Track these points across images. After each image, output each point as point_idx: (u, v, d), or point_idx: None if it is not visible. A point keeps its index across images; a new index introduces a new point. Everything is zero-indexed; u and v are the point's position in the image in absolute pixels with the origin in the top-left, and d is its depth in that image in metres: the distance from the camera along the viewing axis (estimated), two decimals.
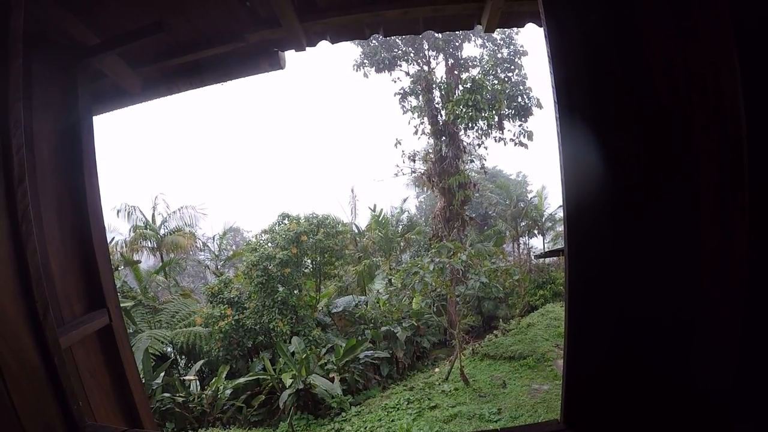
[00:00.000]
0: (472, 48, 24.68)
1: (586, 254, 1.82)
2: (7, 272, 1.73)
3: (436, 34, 21.50)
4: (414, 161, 24.65)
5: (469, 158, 25.09)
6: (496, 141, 23.49)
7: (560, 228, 24.94)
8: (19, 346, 1.74)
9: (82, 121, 3.34)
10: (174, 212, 27.24)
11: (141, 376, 5.26)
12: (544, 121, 26.28)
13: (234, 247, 32.65)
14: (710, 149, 1.61)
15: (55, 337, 1.85)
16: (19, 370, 1.71)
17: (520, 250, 31.85)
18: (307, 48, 3.81)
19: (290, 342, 17.69)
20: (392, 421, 13.29)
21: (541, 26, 1.91)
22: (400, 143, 24.07)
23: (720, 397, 1.61)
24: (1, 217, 1.71)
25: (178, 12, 3.39)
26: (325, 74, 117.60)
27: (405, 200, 31.17)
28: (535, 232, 30.32)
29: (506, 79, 23.18)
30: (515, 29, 21.21)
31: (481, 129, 22.79)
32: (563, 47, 1.77)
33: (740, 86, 1.40)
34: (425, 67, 23.89)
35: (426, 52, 23.90)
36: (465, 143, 23.74)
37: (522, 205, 31.17)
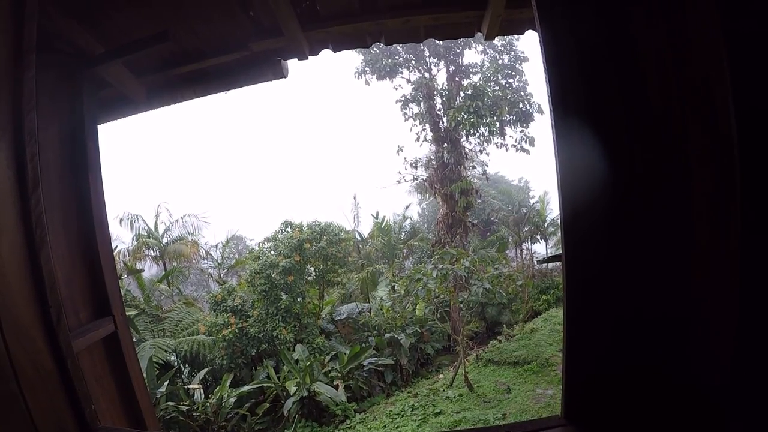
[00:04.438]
0: (472, 55, 24.76)
1: (583, 257, 1.84)
2: (22, 277, 1.76)
3: (437, 42, 21.61)
4: (416, 168, 24.70)
5: (471, 164, 25.13)
6: (497, 147, 23.61)
7: None
8: (34, 349, 1.77)
9: (87, 129, 3.37)
10: (177, 221, 27.29)
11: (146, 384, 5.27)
12: (546, 126, 26.27)
13: (237, 256, 32.65)
14: (702, 155, 1.63)
15: (68, 341, 1.88)
16: (34, 373, 1.74)
17: (523, 256, 31.78)
18: (309, 56, 3.84)
19: (294, 350, 17.68)
20: (397, 427, 13.26)
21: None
22: (402, 150, 24.13)
23: (715, 394, 1.63)
24: (16, 222, 1.75)
25: (183, 22, 3.43)
26: (327, 82, 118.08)
27: (407, 207, 31.12)
28: (538, 237, 30.29)
29: (507, 85, 23.30)
30: (515, 36, 21.25)
31: (483, 135, 22.87)
32: (558, 55, 1.80)
33: (731, 94, 1.43)
34: (426, 74, 23.98)
35: (427, 59, 24.00)
36: (467, 150, 23.79)
37: (524, 211, 31.18)
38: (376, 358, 18.01)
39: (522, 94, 23.45)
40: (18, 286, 1.74)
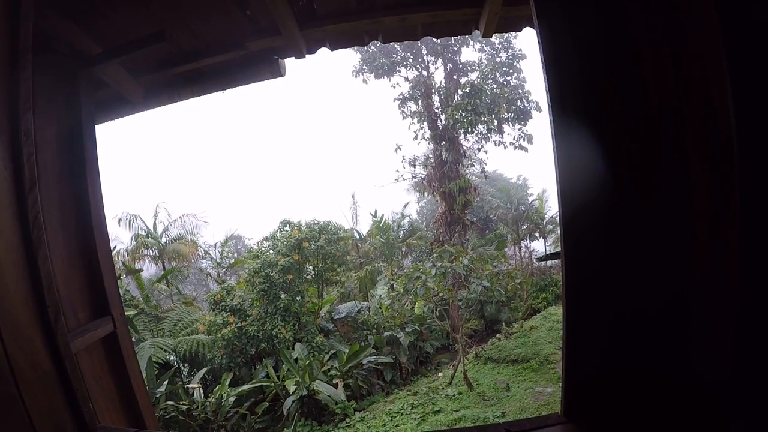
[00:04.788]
0: (470, 52, 24.75)
1: (582, 254, 1.84)
2: (20, 277, 1.76)
3: (435, 40, 21.60)
4: (414, 166, 24.71)
5: (470, 162, 25.12)
6: (496, 145, 23.63)
7: None
8: (32, 350, 1.77)
9: (84, 129, 3.37)
10: (175, 220, 27.26)
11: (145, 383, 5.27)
12: (544, 124, 26.27)
13: (236, 255, 32.62)
14: (700, 152, 1.63)
15: (66, 342, 1.88)
16: (32, 374, 1.74)
17: (522, 254, 31.84)
18: (306, 55, 3.84)
19: (293, 349, 17.70)
20: (396, 426, 13.27)
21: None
22: (400, 148, 24.15)
23: (714, 393, 1.63)
24: (13, 223, 1.75)
25: (180, 21, 3.43)
26: (325, 81, 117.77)
27: (406, 205, 31.11)
28: (537, 235, 30.34)
29: (505, 83, 23.30)
30: (513, 33, 21.24)
31: (481, 133, 22.88)
32: (556, 54, 1.80)
33: (730, 91, 1.43)
34: (424, 72, 23.98)
35: (425, 58, 24.00)
36: (465, 147, 23.80)
37: (523, 209, 31.22)
38: (375, 357, 18.03)
39: (520, 91, 23.47)
40: (15, 287, 1.74)
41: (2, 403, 1.64)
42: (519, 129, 23.46)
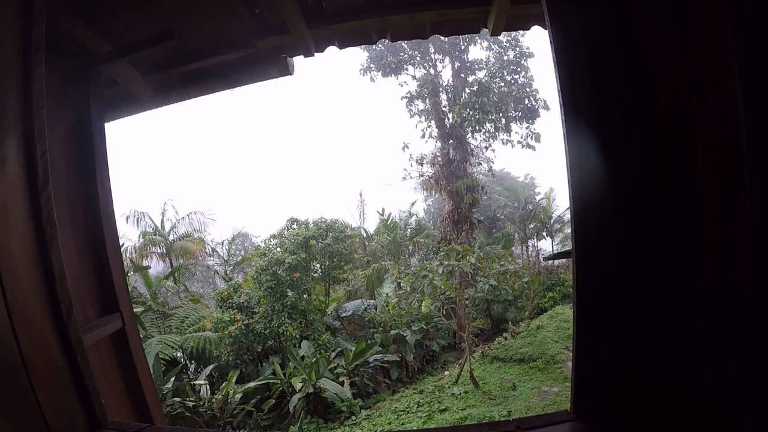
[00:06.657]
0: (478, 51, 24.64)
1: (592, 253, 1.84)
2: (33, 274, 1.78)
3: (442, 38, 21.58)
4: (422, 165, 24.69)
5: (477, 161, 25.11)
6: (503, 143, 23.62)
7: (569, 230, 24.75)
8: (44, 345, 1.79)
9: (94, 128, 3.39)
10: (183, 218, 27.36)
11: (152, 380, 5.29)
12: (552, 122, 26.30)
13: (243, 252, 32.75)
14: (710, 151, 1.62)
15: (78, 337, 1.90)
16: (44, 369, 1.76)
17: (529, 253, 31.74)
18: (315, 53, 3.84)
19: (300, 346, 17.73)
20: (402, 424, 13.28)
21: (546, 29, 1.94)
22: (407, 147, 24.12)
23: (722, 395, 1.63)
24: (27, 219, 1.77)
25: (188, 20, 3.45)
26: (333, 79, 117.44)
27: (413, 204, 31.16)
28: (544, 234, 30.23)
29: (513, 81, 23.27)
30: (521, 31, 21.18)
31: (489, 132, 22.88)
32: (568, 51, 1.80)
33: (740, 89, 1.42)
34: (432, 71, 23.97)
35: (432, 56, 23.98)
36: (472, 146, 23.79)
37: (530, 208, 31.11)
38: (381, 355, 18.05)
39: (527, 90, 23.43)
40: (29, 282, 1.76)
41: (15, 397, 1.66)
42: (527, 127, 23.45)
